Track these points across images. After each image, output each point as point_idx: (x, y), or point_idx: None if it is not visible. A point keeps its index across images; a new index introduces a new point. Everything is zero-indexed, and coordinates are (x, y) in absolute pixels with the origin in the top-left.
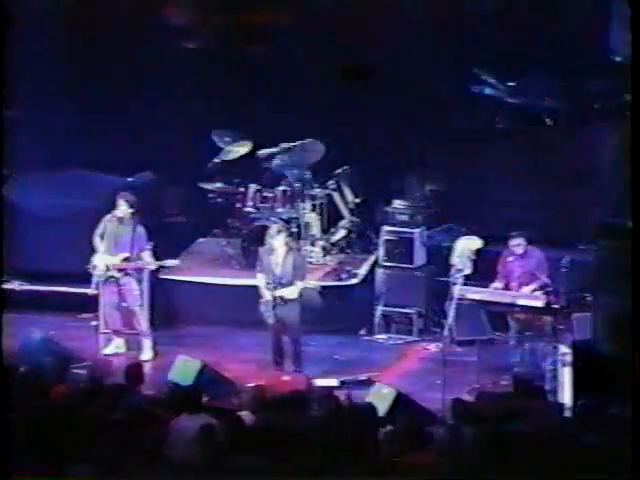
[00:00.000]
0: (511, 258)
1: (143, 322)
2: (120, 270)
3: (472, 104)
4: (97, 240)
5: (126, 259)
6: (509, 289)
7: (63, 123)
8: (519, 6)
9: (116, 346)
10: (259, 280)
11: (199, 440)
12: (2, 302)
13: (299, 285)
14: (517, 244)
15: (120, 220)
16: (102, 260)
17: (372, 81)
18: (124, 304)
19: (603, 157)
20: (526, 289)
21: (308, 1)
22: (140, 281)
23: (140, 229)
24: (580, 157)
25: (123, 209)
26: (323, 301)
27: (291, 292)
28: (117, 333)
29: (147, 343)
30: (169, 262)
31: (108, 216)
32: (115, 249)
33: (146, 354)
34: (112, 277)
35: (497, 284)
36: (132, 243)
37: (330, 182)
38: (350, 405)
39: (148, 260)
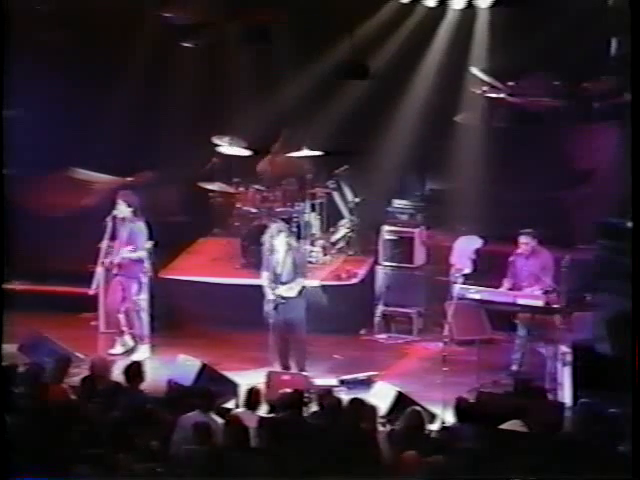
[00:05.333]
0: (516, 257)
1: (140, 324)
2: (120, 267)
3: (471, 103)
4: (105, 243)
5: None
6: (518, 286)
7: (62, 123)
8: (519, 6)
9: (122, 345)
10: (263, 280)
11: (194, 439)
12: (2, 302)
13: (299, 283)
14: (524, 242)
15: (122, 219)
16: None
17: (372, 81)
18: (123, 304)
19: (603, 157)
20: (527, 290)
21: (308, 1)
22: (140, 283)
23: (139, 227)
24: (580, 157)
25: (122, 209)
26: (324, 300)
27: (291, 290)
28: (117, 333)
29: (143, 344)
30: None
31: (110, 217)
32: (115, 247)
33: (140, 354)
34: (111, 274)
35: (506, 283)
36: (128, 240)
37: (330, 182)
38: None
39: (140, 253)
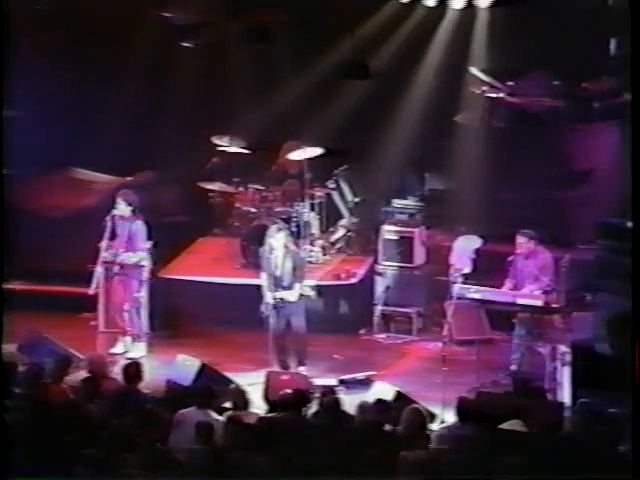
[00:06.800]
0: (516, 257)
1: (139, 322)
2: (122, 267)
3: (471, 103)
4: (105, 242)
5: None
6: (519, 289)
7: (62, 123)
8: (519, 6)
9: (124, 345)
10: (262, 280)
11: (196, 438)
12: (2, 302)
13: (299, 287)
14: (520, 242)
15: (121, 218)
16: (104, 257)
17: (372, 81)
18: (124, 303)
19: (603, 157)
20: (526, 289)
21: (308, 1)
22: (141, 282)
23: (138, 226)
24: (580, 157)
25: (122, 208)
26: (323, 300)
27: (291, 295)
28: (118, 332)
29: (139, 342)
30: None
31: (109, 216)
32: (115, 246)
33: (135, 352)
34: (112, 273)
35: (508, 283)
36: (128, 240)
37: (330, 181)
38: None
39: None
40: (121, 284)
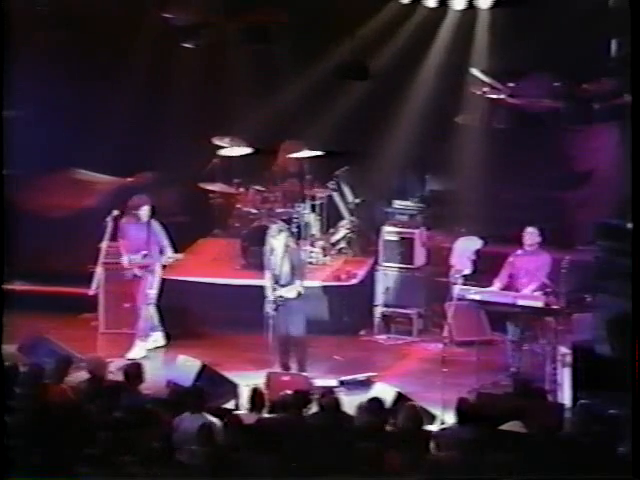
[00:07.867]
0: (515, 256)
1: (146, 321)
2: (142, 267)
3: (472, 104)
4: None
5: (145, 256)
6: (514, 286)
7: (63, 123)
8: (520, 6)
9: (153, 341)
10: (266, 280)
11: (198, 439)
12: (2, 302)
13: (297, 285)
14: (530, 232)
15: (128, 222)
16: (126, 260)
17: (373, 81)
18: (139, 302)
19: (603, 158)
20: (526, 290)
21: (308, 1)
22: (154, 279)
23: (156, 227)
24: (580, 158)
25: (146, 213)
26: (324, 300)
27: (289, 292)
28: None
29: (139, 343)
30: (174, 256)
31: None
32: (133, 248)
33: (135, 352)
34: (136, 275)
35: (499, 281)
36: (148, 240)
37: (330, 182)
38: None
39: (169, 255)
40: (144, 284)
